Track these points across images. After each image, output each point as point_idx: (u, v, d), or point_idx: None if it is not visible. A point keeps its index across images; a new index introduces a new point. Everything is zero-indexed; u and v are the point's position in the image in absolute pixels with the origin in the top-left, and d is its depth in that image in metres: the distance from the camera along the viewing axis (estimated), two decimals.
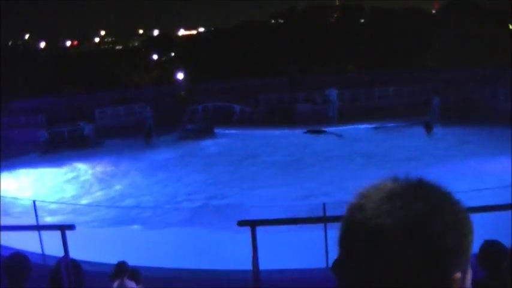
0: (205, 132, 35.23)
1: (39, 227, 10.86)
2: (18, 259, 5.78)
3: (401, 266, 1.14)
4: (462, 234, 1.20)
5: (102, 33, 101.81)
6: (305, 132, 33.42)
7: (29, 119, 37.27)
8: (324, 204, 8.90)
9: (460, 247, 1.19)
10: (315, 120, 35.11)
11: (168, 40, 67.97)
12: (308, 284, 8.43)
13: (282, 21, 68.25)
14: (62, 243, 7.73)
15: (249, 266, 7.24)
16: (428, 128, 31.05)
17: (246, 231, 7.11)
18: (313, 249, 9.42)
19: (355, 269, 1.19)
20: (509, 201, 8.46)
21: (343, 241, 1.24)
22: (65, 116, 38.09)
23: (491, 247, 5.34)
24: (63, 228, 7.86)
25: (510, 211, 7.50)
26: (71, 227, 8.08)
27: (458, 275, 1.19)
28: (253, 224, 7.07)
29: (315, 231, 9.29)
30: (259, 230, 7.14)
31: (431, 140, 29.88)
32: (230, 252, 10.91)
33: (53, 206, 19.06)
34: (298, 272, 9.59)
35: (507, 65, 34.88)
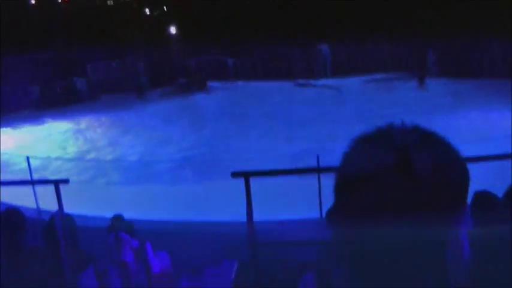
0: (199, 85, 35.10)
1: (33, 182, 10.88)
2: (13, 214, 5.80)
3: (395, 210, 1.12)
4: (459, 179, 1.18)
5: None
6: (295, 86, 33.37)
7: (20, 75, 36.93)
8: (317, 155, 8.92)
9: (456, 192, 1.17)
10: (308, 74, 35.02)
11: None
12: (302, 235, 8.51)
13: None
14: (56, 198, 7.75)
15: (243, 218, 7.28)
16: (421, 80, 30.99)
17: (240, 182, 7.13)
18: (307, 200, 9.49)
19: (349, 215, 1.17)
20: (502, 152, 8.48)
21: (337, 188, 1.22)
22: (57, 71, 37.78)
23: (482, 197, 5.37)
24: (57, 183, 7.87)
25: (501, 161, 7.52)
26: (65, 181, 8.09)
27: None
28: (246, 175, 7.07)
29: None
30: (253, 181, 7.16)
31: (424, 92, 29.84)
32: (224, 204, 10.98)
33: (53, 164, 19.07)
34: (292, 223, 9.66)
35: (505, 15, 34.44)
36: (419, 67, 32.37)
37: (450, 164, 1.17)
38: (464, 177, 1.19)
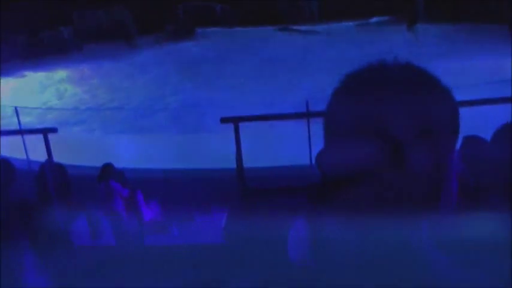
0: (187, 32, 34.72)
1: (22, 132, 10.80)
2: (3, 164, 5.78)
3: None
4: (450, 117, 1.14)
5: None
6: (283, 32, 33.09)
7: (6, 25, 36.30)
8: (307, 101, 8.85)
9: (448, 130, 1.13)
10: (296, 20, 34.67)
11: None
12: (292, 181, 8.54)
13: None
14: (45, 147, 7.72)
15: (233, 164, 7.30)
16: (411, 23, 30.74)
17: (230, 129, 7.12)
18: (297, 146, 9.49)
19: (339, 154, 1.10)
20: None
21: (327, 127, 1.17)
22: (43, 20, 37.16)
23: (471, 141, 5.41)
24: (45, 132, 7.82)
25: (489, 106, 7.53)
26: (54, 130, 8.03)
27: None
28: (236, 121, 7.05)
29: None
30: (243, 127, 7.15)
31: (416, 37, 29.61)
32: (214, 151, 10.96)
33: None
34: (282, 169, 9.67)
35: None
36: (409, 11, 32.05)
37: (439, 97, 1.13)
38: (452, 112, 1.15)
